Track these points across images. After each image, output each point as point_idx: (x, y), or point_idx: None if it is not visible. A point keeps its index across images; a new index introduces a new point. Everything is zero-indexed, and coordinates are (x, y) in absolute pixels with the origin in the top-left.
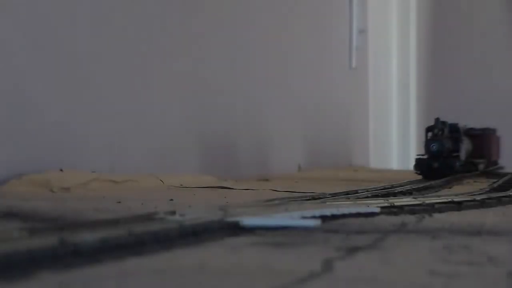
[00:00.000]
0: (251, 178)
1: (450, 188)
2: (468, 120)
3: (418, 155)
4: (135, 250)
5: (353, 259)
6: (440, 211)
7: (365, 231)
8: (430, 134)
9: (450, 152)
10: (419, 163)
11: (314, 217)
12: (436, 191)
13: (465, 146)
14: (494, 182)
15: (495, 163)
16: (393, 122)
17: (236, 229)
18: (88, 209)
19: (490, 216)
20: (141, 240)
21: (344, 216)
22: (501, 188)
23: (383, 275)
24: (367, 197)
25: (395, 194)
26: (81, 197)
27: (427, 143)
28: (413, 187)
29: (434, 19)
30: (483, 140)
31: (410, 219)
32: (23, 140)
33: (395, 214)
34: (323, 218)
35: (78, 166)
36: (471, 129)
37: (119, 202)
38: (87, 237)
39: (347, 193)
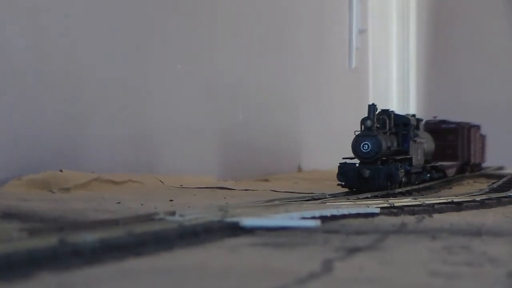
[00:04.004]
0: (251, 178)
1: (450, 188)
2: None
3: (345, 158)
4: (135, 250)
5: (353, 259)
6: (440, 211)
7: (365, 231)
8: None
9: (393, 154)
10: (343, 170)
11: (314, 217)
12: (436, 192)
13: (424, 145)
14: (494, 183)
15: (478, 165)
16: None
17: (236, 230)
18: (88, 209)
19: (489, 217)
20: (141, 240)
21: (344, 216)
22: (500, 189)
23: (383, 276)
24: (367, 197)
25: (395, 195)
26: (81, 197)
27: (356, 141)
28: (413, 187)
29: (434, 19)
30: (457, 136)
31: (410, 219)
32: (23, 141)
33: (395, 214)
34: (323, 218)
35: (78, 166)
36: (442, 121)
37: (119, 202)
38: (87, 237)
39: (346, 193)
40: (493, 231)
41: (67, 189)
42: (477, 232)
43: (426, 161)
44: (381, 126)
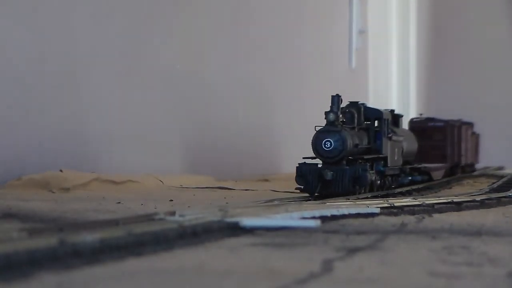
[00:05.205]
0: (251, 178)
1: (450, 188)
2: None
3: (305, 157)
4: (135, 251)
5: (353, 259)
6: (440, 211)
7: (365, 231)
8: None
9: (363, 153)
10: (302, 172)
11: (314, 217)
12: (436, 192)
13: (403, 144)
14: (494, 183)
15: (471, 166)
16: None
17: (236, 230)
18: (88, 210)
19: (489, 217)
20: (141, 240)
21: (344, 216)
22: (500, 189)
23: (383, 276)
24: (367, 197)
25: (394, 195)
26: (81, 198)
27: (316, 138)
28: (413, 187)
29: (434, 19)
30: (445, 135)
31: (410, 219)
32: (22, 141)
33: (395, 214)
34: (323, 218)
35: (78, 166)
36: (429, 119)
37: (119, 202)
38: (87, 237)
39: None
40: (493, 231)
41: (67, 189)
42: (477, 232)
43: (407, 162)
44: (349, 120)
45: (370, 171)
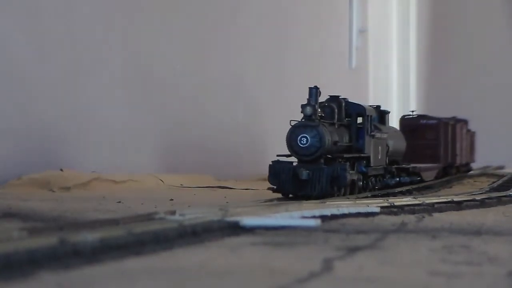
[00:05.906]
0: (251, 178)
1: (450, 187)
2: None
3: (279, 155)
4: (135, 250)
5: (353, 259)
6: (440, 210)
7: (365, 230)
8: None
9: (343, 151)
10: (275, 170)
11: (314, 217)
12: (436, 191)
13: (388, 142)
14: (494, 182)
15: (466, 165)
16: None
17: (236, 229)
18: (88, 209)
19: (489, 216)
20: (141, 240)
21: (344, 216)
22: (501, 188)
23: (383, 275)
24: (367, 197)
25: (395, 194)
26: (82, 197)
27: (291, 133)
28: (413, 187)
29: (434, 19)
30: (438, 134)
31: (410, 218)
32: (23, 140)
33: (395, 213)
34: (323, 217)
35: (78, 166)
36: (421, 117)
37: (119, 202)
38: (87, 236)
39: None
40: (493, 230)
41: (67, 189)
42: (477, 231)
43: (395, 162)
44: (328, 116)
45: (351, 171)
